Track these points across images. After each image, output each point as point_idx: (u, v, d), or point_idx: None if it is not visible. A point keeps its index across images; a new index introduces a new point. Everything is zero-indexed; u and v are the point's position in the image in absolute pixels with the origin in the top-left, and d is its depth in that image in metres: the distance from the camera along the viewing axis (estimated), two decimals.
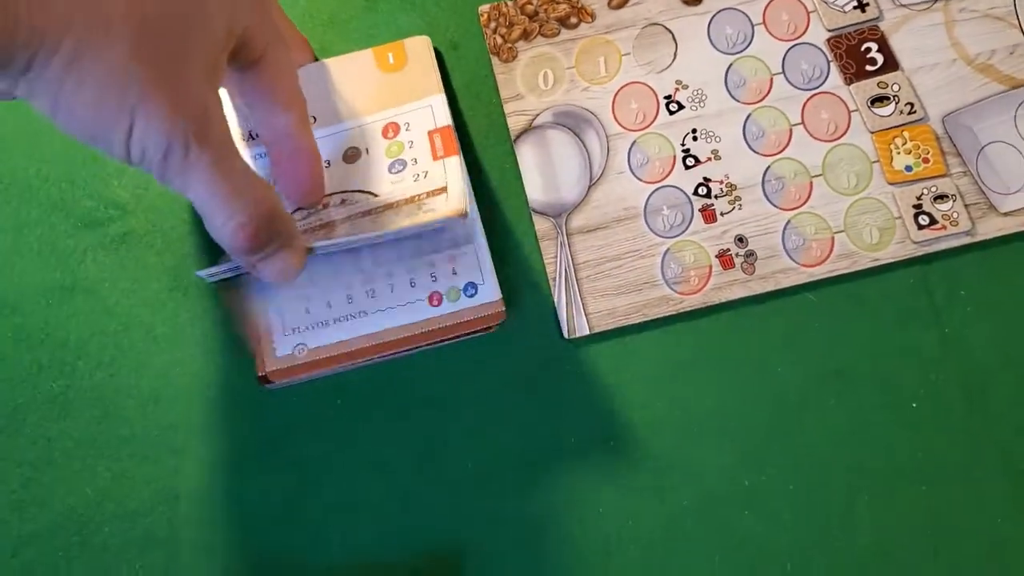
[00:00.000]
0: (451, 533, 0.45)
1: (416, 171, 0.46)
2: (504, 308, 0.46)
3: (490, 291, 0.46)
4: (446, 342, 0.46)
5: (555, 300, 0.48)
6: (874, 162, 0.50)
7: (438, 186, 0.45)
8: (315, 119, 0.49)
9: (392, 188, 0.45)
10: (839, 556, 0.44)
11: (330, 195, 0.46)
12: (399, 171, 0.47)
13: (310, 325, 0.45)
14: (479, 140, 0.51)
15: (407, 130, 0.48)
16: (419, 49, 0.50)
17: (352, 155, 0.48)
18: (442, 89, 0.49)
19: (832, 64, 0.51)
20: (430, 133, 0.47)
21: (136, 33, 0.31)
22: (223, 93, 0.45)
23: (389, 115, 0.48)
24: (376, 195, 0.46)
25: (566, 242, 0.49)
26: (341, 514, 0.45)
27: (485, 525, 0.45)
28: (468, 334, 0.46)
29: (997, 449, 0.45)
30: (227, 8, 0.35)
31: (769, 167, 0.50)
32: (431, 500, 0.45)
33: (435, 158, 0.47)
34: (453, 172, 0.46)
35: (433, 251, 0.46)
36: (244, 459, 0.46)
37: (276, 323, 0.45)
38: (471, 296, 0.46)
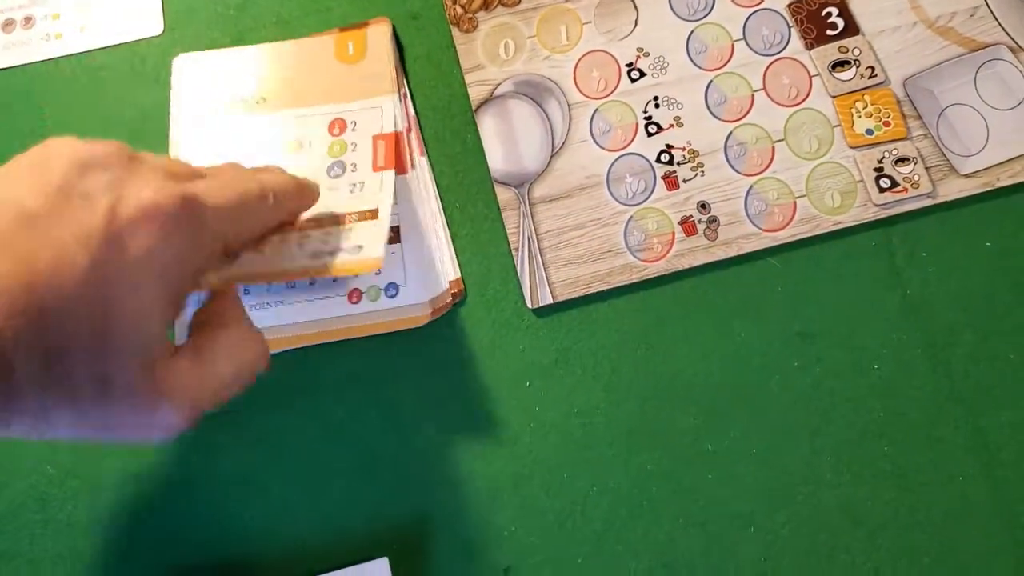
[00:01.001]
0: (415, 498, 0.45)
1: (353, 180, 0.45)
2: (431, 312, 0.46)
3: (413, 294, 0.46)
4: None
5: (518, 270, 0.48)
6: (835, 126, 0.50)
7: (369, 208, 0.43)
8: (265, 100, 0.48)
9: (326, 195, 0.43)
10: (802, 517, 0.44)
11: None
12: (337, 175, 0.45)
13: None
14: (440, 111, 0.51)
15: (353, 130, 0.47)
16: (380, 41, 0.50)
17: (295, 147, 0.47)
18: (396, 90, 0.48)
19: (793, 29, 0.51)
20: (375, 138, 0.46)
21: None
22: None
23: (338, 110, 0.48)
24: None
25: (528, 212, 0.49)
26: (304, 484, 0.45)
27: (449, 490, 0.45)
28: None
29: (958, 408, 0.45)
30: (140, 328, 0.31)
31: (731, 133, 0.50)
32: (394, 467, 0.45)
33: (375, 168, 0.45)
34: (387, 192, 0.43)
35: None
36: (201, 433, 0.45)
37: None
38: (392, 297, 0.46)
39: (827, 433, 0.45)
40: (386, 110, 0.47)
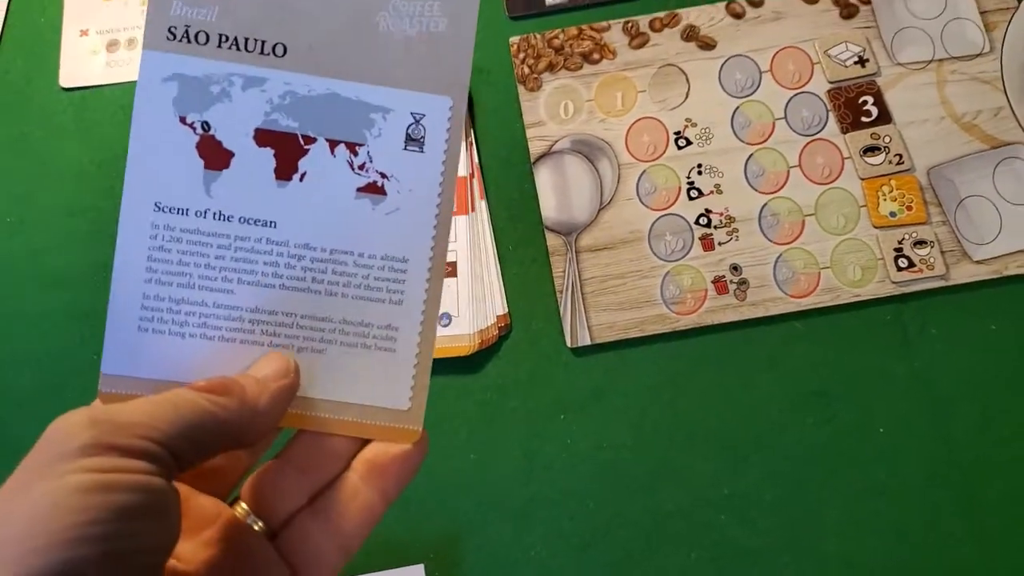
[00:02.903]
0: (452, 512, 0.49)
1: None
2: (479, 342, 0.51)
3: (463, 324, 0.51)
4: None
5: (561, 311, 0.52)
6: (862, 206, 0.54)
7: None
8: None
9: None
10: (804, 560, 0.48)
11: None
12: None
13: None
14: (501, 160, 0.55)
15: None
16: None
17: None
18: (463, 138, 0.46)
19: (831, 113, 0.56)
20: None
21: None
22: None
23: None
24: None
25: (575, 258, 0.53)
26: None
27: (483, 509, 0.49)
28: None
29: (955, 474, 0.49)
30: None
31: (766, 204, 0.54)
32: (434, 482, 0.49)
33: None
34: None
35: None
36: None
37: None
38: (444, 326, 0.51)
39: (833, 486, 0.49)
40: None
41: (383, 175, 0.33)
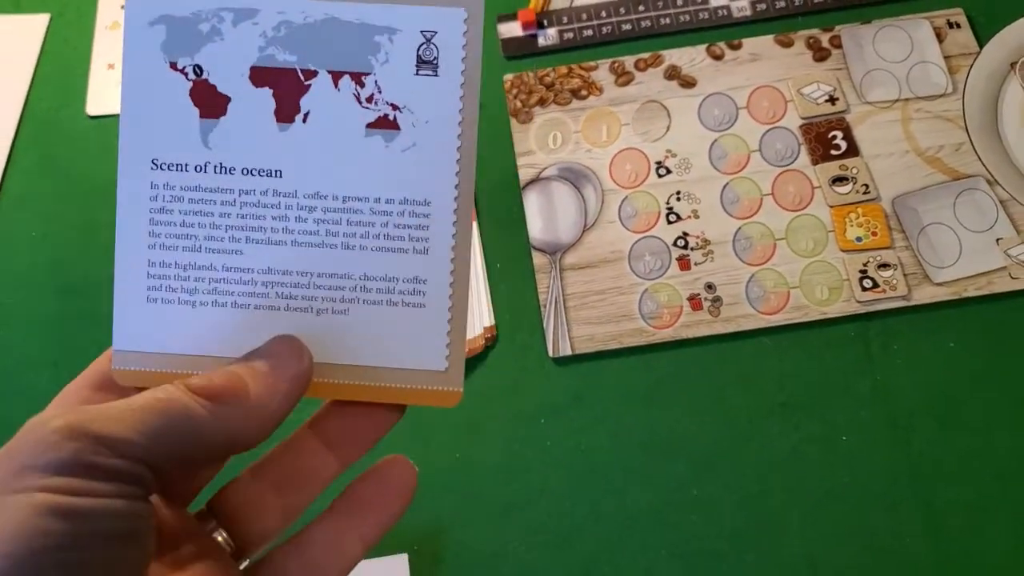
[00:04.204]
0: (437, 508, 0.52)
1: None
2: (466, 351, 0.53)
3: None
4: None
5: (544, 323, 0.56)
6: (830, 231, 0.58)
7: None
8: None
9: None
10: (769, 560, 0.50)
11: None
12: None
13: None
14: (493, 184, 0.59)
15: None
16: None
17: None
18: None
19: (802, 146, 0.60)
20: None
21: None
22: None
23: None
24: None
25: (558, 276, 0.57)
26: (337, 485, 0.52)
27: (466, 504, 0.52)
28: None
29: (913, 481, 0.51)
30: None
31: (740, 228, 0.58)
32: (420, 478, 0.52)
33: None
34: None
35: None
36: None
37: None
38: None
39: (798, 491, 0.52)
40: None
41: (394, 107, 0.30)
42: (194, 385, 0.26)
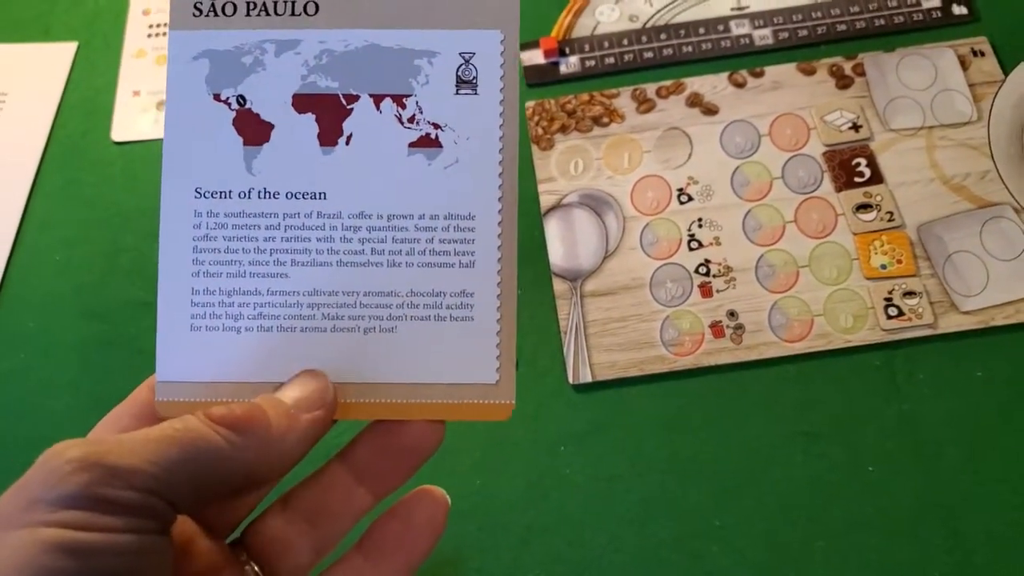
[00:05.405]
0: (454, 532, 0.51)
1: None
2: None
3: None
4: None
5: (564, 350, 0.55)
6: (854, 259, 0.57)
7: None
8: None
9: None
10: None
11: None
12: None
13: None
14: None
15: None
16: None
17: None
18: None
19: (826, 174, 0.59)
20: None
21: None
22: None
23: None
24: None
25: (579, 302, 0.57)
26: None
27: (484, 531, 0.51)
28: None
29: (940, 512, 0.50)
30: None
31: (763, 255, 0.57)
32: None
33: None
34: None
35: None
36: None
37: None
38: None
39: (821, 521, 0.51)
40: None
41: (436, 125, 0.31)
42: (214, 414, 0.26)
